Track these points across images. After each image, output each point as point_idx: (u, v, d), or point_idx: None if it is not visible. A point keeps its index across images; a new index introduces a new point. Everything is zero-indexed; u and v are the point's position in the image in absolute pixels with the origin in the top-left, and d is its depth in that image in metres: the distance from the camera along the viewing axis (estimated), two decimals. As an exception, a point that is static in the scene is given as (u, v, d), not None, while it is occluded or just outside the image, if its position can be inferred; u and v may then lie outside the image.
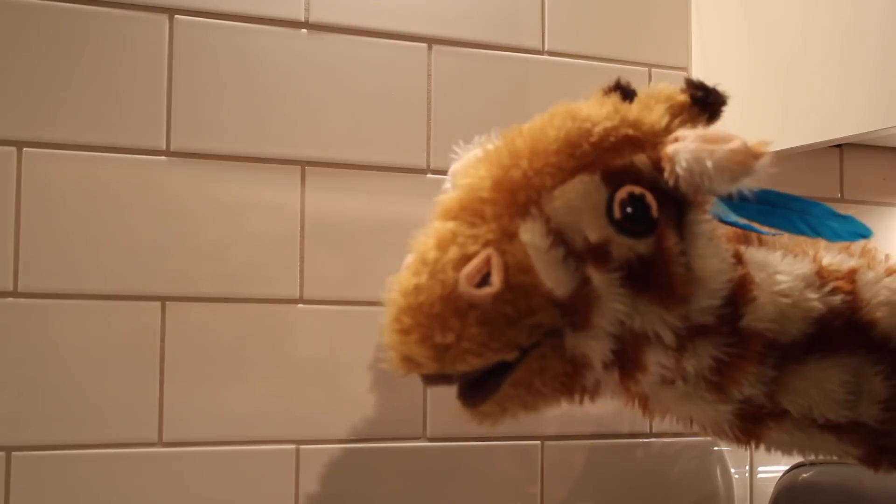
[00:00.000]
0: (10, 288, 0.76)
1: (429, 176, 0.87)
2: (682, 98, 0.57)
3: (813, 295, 0.56)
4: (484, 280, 0.48)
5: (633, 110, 0.54)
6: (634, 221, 0.50)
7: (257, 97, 0.83)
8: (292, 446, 0.82)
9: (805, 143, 0.82)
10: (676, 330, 0.52)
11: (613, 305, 0.50)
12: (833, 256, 0.59)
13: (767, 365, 0.55)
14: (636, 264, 0.51)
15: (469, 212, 0.51)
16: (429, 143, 0.88)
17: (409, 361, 0.49)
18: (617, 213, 0.50)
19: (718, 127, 0.58)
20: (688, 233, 0.53)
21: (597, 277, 0.50)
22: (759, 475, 0.97)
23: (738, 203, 0.53)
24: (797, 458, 0.65)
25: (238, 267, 0.82)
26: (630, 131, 0.52)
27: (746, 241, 0.60)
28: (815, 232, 0.55)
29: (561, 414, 0.90)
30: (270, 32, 0.84)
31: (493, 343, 0.48)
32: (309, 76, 0.85)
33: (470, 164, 0.55)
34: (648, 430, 0.93)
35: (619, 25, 0.95)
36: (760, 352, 0.55)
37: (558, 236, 0.49)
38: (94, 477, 0.77)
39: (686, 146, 0.50)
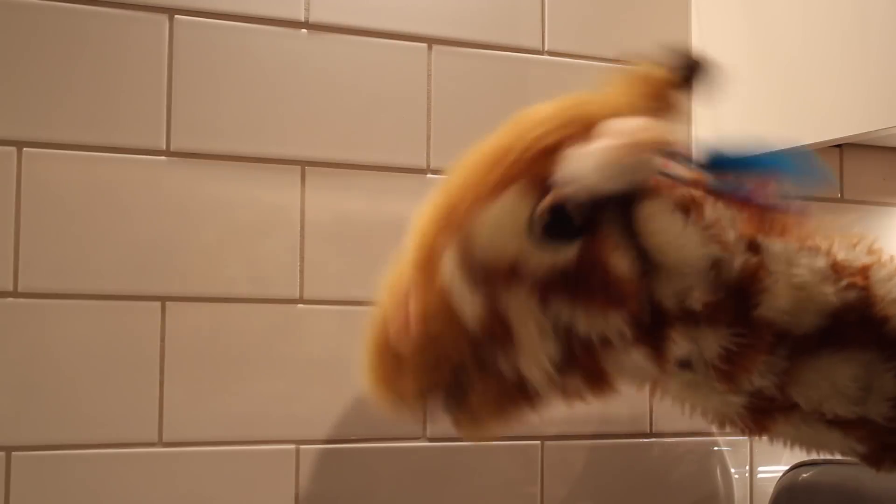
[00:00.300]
0: (10, 288, 0.76)
1: (429, 176, 0.87)
2: (659, 74, 0.57)
3: (829, 289, 0.56)
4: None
5: (594, 104, 0.54)
6: (554, 232, 0.51)
7: (257, 97, 0.83)
8: (292, 446, 0.82)
9: (805, 143, 0.82)
10: (627, 327, 0.52)
11: (535, 316, 0.51)
12: (847, 252, 0.59)
13: (779, 356, 0.55)
14: (565, 272, 0.51)
15: (417, 255, 0.54)
16: (429, 143, 0.88)
17: (380, 395, 0.56)
18: (536, 227, 0.51)
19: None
20: (638, 225, 0.53)
21: (510, 298, 0.51)
22: (759, 475, 0.97)
23: (712, 172, 0.53)
24: (797, 453, 0.65)
25: (238, 267, 0.82)
26: (569, 132, 0.52)
27: (767, 230, 0.60)
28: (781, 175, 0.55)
29: (561, 414, 0.90)
30: (270, 32, 0.84)
31: (438, 375, 0.52)
32: (309, 76, 0.85)
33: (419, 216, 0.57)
34: (648, 430, 0.93)
35: (619, 25, 0.95)
36: (771, 341, 0.55)
37: (473, 263, 0.51)
38: (94, 477, 0.77)
39: (573, 150, 0.51)
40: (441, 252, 0.51)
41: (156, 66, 0.81)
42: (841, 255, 0.59)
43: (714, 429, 0.63)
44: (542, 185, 0.51)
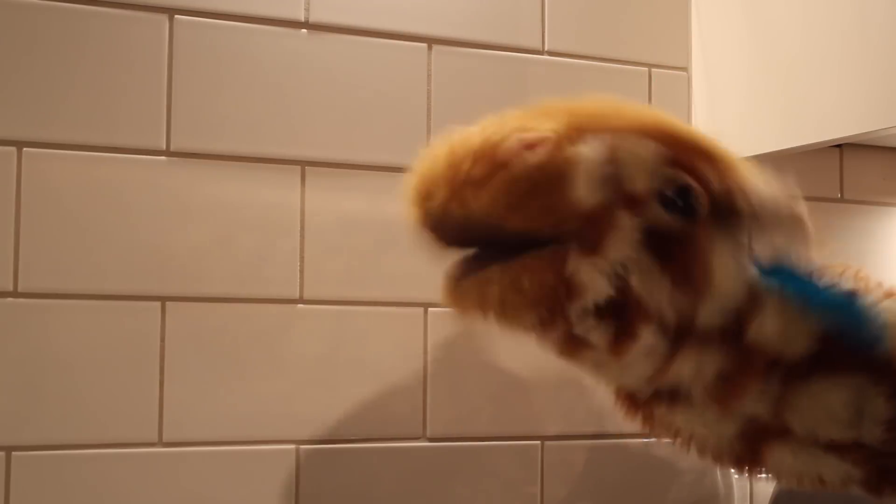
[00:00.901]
0: (10, 288, 0.76)
1: (429, 176, 0.87)
2: None
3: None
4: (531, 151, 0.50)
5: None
6: (679, 198, 0.52)
7: (257, 97, 0.83)
8: (292, 446, 0.82)
9: (805, 143, 0.82)
10: (679, 315, 0.52)
11: (626, 246, 0.51)
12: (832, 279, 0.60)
13: (772, 381, 0.56)
14: (666, 236, 0.52)
15: (534, 113, 0.53)
16: (429, 143, 0.88)
17: (425, 187, 0.52)
18: (669, 191, 0.52)
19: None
20: (720, 241, 0.54)
21: (624, 216, 0.51)
22: (759, 475, 0.97)
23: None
24: (798, 486, 0.64)
25: (238, 267, 0.82)
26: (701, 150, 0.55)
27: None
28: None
29: (561, 414, 0.90)
30: (270, 32, 0.84)
31: (504, 201, 0.49)
32: (309, 76, 0.85)
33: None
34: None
35: (619, 25, 0.95)
36: (763, 368, 0.55)
37: (611, 165, 0.51)
38: (94, 477, 0.77)
39: (764, 187, 0.54)
40: (579, 135, 0.51)
41: (156, 66, 0.81)
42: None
43: (713, 462, 0.63)
44: (681, 164, 0.53)
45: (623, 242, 0.51)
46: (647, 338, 0.53)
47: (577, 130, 0.51)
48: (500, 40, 0.91)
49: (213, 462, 0.80)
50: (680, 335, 0.53)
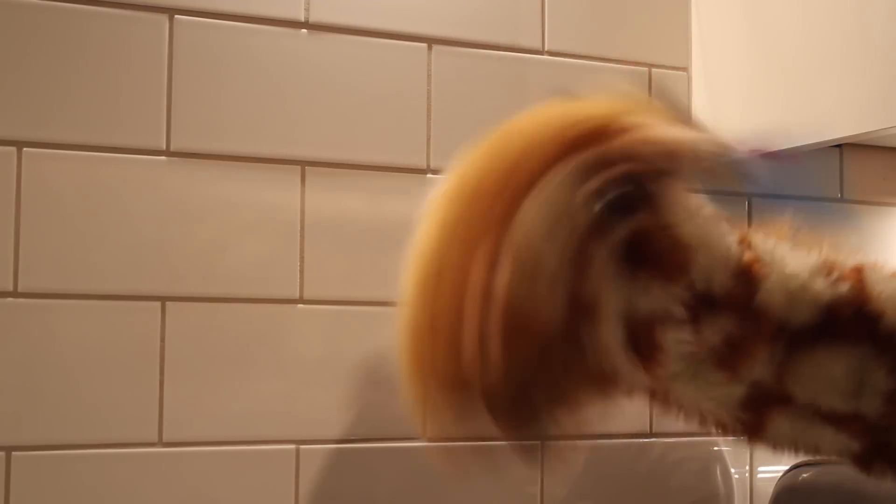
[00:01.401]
0: (10, 288, 0.76)
1: (429, 176, 0.87)
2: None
3: (821, 281, 0.56)
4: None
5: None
6: (614, 205, 0.51)
7: (257, 97, 0.83)
8: (292, 446, 0.82)
9: (805, 143, 0.82)
10: (685, 300, 0.52)
11: (614, 285, 0.50)
12: (835, 254, 0.60)
13: (778, 347, 0.56)
14: (625, 246, 0.51)
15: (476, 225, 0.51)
16: (429, 143, 0.88)
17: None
18: (596, 202, 0.50)
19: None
20: (678, 204, 0.53)
21: (595, 265, 0.50)
22: (759, 475, 0.97)
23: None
24: (794, 456, 0.65)
25: (238, 267, 0.82)
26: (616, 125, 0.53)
27: (757, 230, 0.61)
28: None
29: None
30: (270, 32, 0.84)
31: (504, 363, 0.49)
32: (309, 76, 0.85)
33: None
34: (648, 430, 0.93)
35: (619, 25, 0.95)
36: (772, 331, 0.55)
37: (533, 261, 0.50)
38: (94, 477, 0.77)
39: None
40: (496, 228, 0.50)
41: (156, 66, 0.81)
42: (831, 255, 0.60)
43: (717, 432, 0.63)
44: (589, 166, 0.51)
45: (609, 287, 0.50)
46: (669, 341, 0.53)
47: (494, 223, 0.50)
48: (500, 40, 0.91)
49: (213, 462, 0.80)
50: (695, 311, 0.53)
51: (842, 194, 1.01)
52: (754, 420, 0.59)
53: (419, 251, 0.52)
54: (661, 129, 0.52)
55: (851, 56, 0.78)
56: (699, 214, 0.55)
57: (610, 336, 0.50)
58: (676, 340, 0.53)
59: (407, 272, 0.52)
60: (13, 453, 0.76)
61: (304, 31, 0.85)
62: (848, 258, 0.60)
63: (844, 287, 0.57)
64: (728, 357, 0.56)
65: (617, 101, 0.56)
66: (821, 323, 0.56)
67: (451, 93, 0.89)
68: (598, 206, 0.50)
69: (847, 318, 0.57)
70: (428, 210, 0.53)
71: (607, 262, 0.50)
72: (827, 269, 0.58)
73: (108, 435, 0.78)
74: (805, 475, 0.83)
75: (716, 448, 0.95)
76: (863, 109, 0.77)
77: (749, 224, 0.61)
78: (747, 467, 0.96)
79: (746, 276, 0.55)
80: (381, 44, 0.87)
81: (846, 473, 0.79)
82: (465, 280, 0.49)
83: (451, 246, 0.51)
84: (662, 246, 0.52)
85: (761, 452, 0.97)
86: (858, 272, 0.58)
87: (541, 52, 0.92)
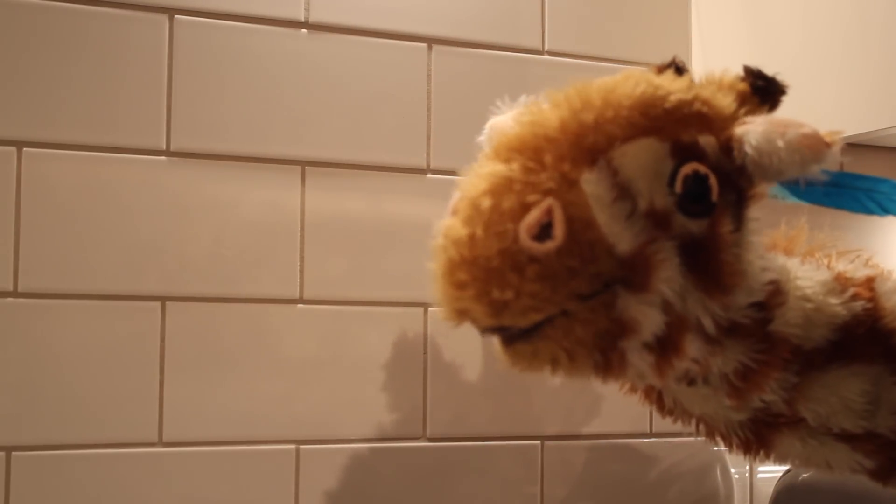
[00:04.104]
0: (10, 288, 0.76)
1: (429, 176, 0.87)
2: (743, 86, 0.56)
3: (835, 300, 0.55)
4: (544, 232, 0.44)
5: (706, 89, 0.52)
6: (694, 200, 0.48)
7: (257, 97, 0.83)
8: (292, 446, 0.82)
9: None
10: (718, 320, 0.50)
11: (673, 273, 0.48)
12: (846, 265, 0.59)
13: (790, 371, 0.54)
14: (689, 243, 0.49)
15: (528, 153, 0.47)
16: (429, 143, 0.88)
17: (463, 315, 0.47)
18: (679, 188, 0.48)
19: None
20: (743, 223, 0.51)
21: (661, 247, 0.47)
22: (759, 475, 0.97)
23: (802, 188, 0.52)
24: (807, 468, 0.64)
25: (238, 267, 0.82)
26: (704, 108, 0.50)
27: (771, 248, 0.59)
28: (884, 210, 0.54)
29: (561, 414, 0.90)
30: (270, 32, 0.84)
31: (555, 297, 0.45)
32: (309, 76, 0.85)
33: (504, 128, 0.52)
34: (648, 430, 0.93)
35: (619, 25, 0.95)
36: (786, 358, 0.54)
37: (624, 191, 0.47)
38: (94, 477, 0.77)
39: (756, 128, 0.48)
40: (578, 167, 0.47)
41: (156, 66, 0.81)
42: (841, 267, 0.58)
43: (720, 443, 0.62)
44: (682, 148, 0.49)
45: (668, 272, 0.47)
46: (691, 350, 0.51)
47: (572, 165, 0.47)
48: (500, 40, 0.91)
49: (213, 462, 0.80)
50: (718, 335, 0.52)
51: (842, 194, 1.00)
52: (760, 439, 0.58)
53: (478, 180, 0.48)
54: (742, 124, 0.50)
55: (852, 56, 0.78)
56: (757, 242, 0.53)
57: (653, 316, 0.47)
58: (695, 353, 0.51)
59: (461, 198, 0.47)
60: (13, 453, 0.76)
61: (304, 31, 0.85)
62: (858, 269, 0.59)
63: (858, 306, 0.55)
64: (739, 386, 0.54)
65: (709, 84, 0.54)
66: (835, 343, 0.55)
67: (451, 93, 0.89)
68: (680, 190, 0.48)
69: (861, 337, 0.55)
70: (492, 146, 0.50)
71: (675, 244, 0.48)
72: (840, 285, 0.56)
73: (108, 435, 0.78)
74: (805, 475, 0.83)
75: (716, 448, 0.95)
76: (863, 109, 0.76)
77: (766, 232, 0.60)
78: (747, 467, 0.96)
79: (766, 303, 0.53)
80: (381, 44, 0.87)
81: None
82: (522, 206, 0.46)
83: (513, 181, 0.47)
84: (724, 261, 0.50)
85: (761, 452, 0.97)
86: (870, 284, 0.57)
87: (541, 52, 0.92)
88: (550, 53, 0.93)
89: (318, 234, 0.84)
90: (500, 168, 0.47)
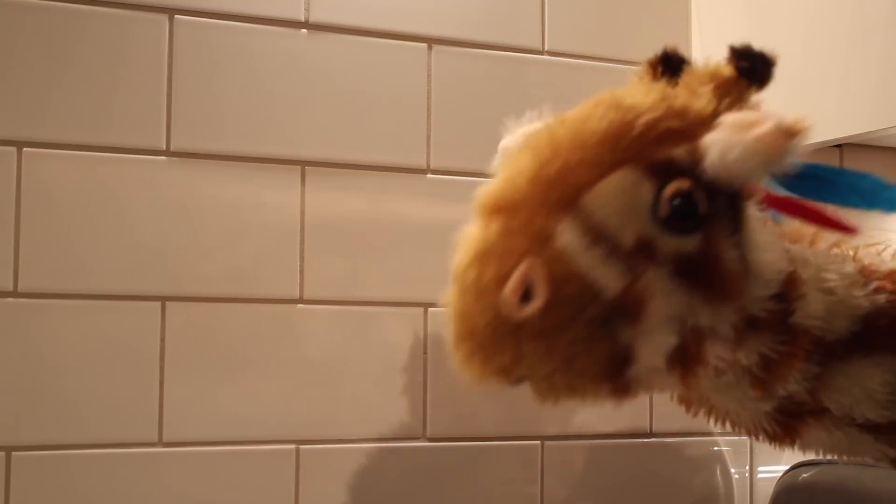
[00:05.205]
0: (10, 288, 0.76)
1: (429, 176, 0.87)
2: (728, 72, 0.55)
3: (858, 293, 0.55)
4: (528, 294, 0.46)
5: (680, 97, 0.52)
6: (681, 219, 0.48)
7: (257, 97, 0.83)
8: (292, 446, 0.82)
9: (805, 142, 0.82)
10: (733, 323, 0.51)
11: (669, 299, 0.48)
12: (872, 258, 0.59)
13: (813, 362, 0.55)
14: (685, 261, 0.49)
15: (506, 212, 0.49)
16: (429, 143, 0.88)
17: (480, 380, 0.50)
18: (663, 211, 0.48)
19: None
20: (741, 224, 0.51)
21: (650, 271, 0.48)
22: (759, 475, 0.97)
23: (786, 180, 0.52)
24: (797, 454, 0.64)
25: (238, 267, 0.82)
26: (675, 123, 0.50)
27: (796, 240, 0.59)
28: (869, 204, 0.54)
29: (561, 414, 0.90)
30: (270, 32, 0.84)
31: (556, 347, 0.48)
32: (309, 76, 0.85)
33: (515, 149, 0.53)
34: (648, 430, 0.93)
35: (619, 25, 0.95)
36: (808, 349, 0.54)
37: (599, 234, 0.47)
38: (94, 477, 0.77)
39: (716, 136, 0.48)
40: (551, 220, 0.48)
41: (156, 66, 0.81)
42: (867, 260, 0.58)
43: (746, 436, 0.62)
44: (659, 169, 0.49)
45: (662, 300, 0.48)
46: (713, 356, 0.51)
47: (546, 219, 0.47)
48: (500, 40, 0.91)
49: (212, 462, 0.80)
50: (738, 333, 0.52)
51: (842, 194, 1.00)
52: (787, 429, 0.58)
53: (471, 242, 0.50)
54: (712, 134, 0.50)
55: (851, 56, 0.78)
56: (765, 234, 0.53)
57: (657, 341, 0.48)
58: (718, 357, 0.51)
59: (459, 253, 0.50)
60: (13, 453, 0.76)
61: (304, 31, 0.85)
62: (883, 261, 0.59)
63: (881, 298, 0.56)
64: (762, 377, 0.54)
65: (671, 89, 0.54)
66: (857, 334, 0.55)
67: (451, 93, 0.89)
68: (666, 213, 0.48)
69: (884, 328, 0.55)
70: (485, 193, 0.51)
71: (665, 270, 0.48)
72: (864, 278, 0.56)
73: (108, 435, 0.78)
74: (805, 475, 0.83)
75: (716, 448, 0.95)
76: (863, 109, 0.76)
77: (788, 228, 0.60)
78: (747, 467, 0.96)
79: (785, 295, 0.53)
80: (381, 44, 0.87)
81: (846, 473, 0.79)
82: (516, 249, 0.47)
83: (502, 237, 0.49)
84: (725, 268, 0.50)
85: (761, 452, 0.97)
86: (893, 276, 0.57)
87: (541, 52, 0.92)
88: (550, 53, 0.93)
89: (318, 234, 0.84)
90: (481, 233, 0.49)
